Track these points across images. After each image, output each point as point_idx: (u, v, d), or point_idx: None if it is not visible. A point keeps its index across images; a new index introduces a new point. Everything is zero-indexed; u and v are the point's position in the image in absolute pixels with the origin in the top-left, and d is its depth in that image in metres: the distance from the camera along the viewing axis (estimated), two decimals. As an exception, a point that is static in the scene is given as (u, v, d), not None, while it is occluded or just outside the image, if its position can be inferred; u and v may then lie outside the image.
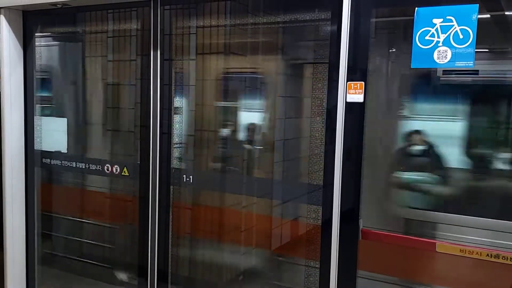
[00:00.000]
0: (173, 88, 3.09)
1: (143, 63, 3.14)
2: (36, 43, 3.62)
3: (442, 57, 2.22)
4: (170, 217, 3.15)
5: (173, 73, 3.10)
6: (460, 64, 2.20)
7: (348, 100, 2.44)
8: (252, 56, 3.72)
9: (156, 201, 3.14)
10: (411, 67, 2.30)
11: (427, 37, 2.25)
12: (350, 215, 2.51)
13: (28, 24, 3.54)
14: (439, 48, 2.23)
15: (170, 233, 3.18)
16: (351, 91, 2.42)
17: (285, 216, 3.33)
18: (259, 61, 3.67)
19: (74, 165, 3.49)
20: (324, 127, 2.56)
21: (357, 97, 2.42)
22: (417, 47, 2.27)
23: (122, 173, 3.27)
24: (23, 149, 3.62)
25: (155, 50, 3.07)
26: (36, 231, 3.73)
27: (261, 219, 3.56)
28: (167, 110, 3.09)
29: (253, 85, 3.93)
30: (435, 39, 2.23)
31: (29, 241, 3.73)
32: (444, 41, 2.22)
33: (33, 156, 3.63)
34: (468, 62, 2.19)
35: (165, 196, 3.13)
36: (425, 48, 2.25)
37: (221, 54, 3.74)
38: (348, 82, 2.43)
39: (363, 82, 2.40)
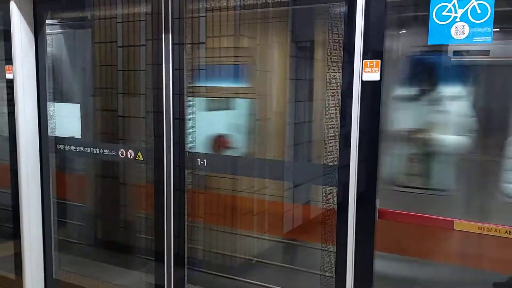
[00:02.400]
0: (185, 72, 3.07)
1: (153, 47, 3.12)
2: (47, 30, 3.62)
3: (460, 32, 2.19)
4: (185, 201, 3.16)
5: (184, 57, 3.09)
6: (478, 40, 2.17)
7: (364, 78, 2.41)
8: (263, 38, 3.69)
9: (171, 185, 3.15)
10: (428, 43, 2.27)
11: (444, 13, 2.22)
12: (367, 196, 2.51)
13: (38, 11, 3.53)
14: (456, 24, 2.20)
15: (186, 218, 3.19)
16: (367, 69, 2.40)
17: (299, 199, 3.34)
18: (270, 43, 3.64)
19: (88, 151, 3.50)
20: (340, 107, 2.54)
21: (374, 75, 2.39)
22: (434, 23, 2.24)
23: (137, 158, 3.28)
24: (37, 136, 3.63)
25: (166, 33, 3.05)
26: (52, 218, 3.76)
27: (273, 203, 3.58)
28: (179, 95, 3.09)
29: (263, 68, 3.92)
30: (452, 14, 2.20)
31: (45, 228, 3.76)
32: (462, 16, 2.18)
33: (47, 142, 3.65)
34: (486, 38, 2.15)
35: (179, 180, 3.13)
36: (442, 24, 2.22)
37: (230, 36, 3.74)
38: (364, 60, 2.40)
39: (379, 60, 2.38)
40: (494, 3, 2.13)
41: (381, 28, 2.38)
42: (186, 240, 3.22)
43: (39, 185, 3.68)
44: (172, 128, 3.09)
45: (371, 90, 2.41)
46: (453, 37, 2.21)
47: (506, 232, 2.30)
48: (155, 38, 3.13)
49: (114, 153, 3.37)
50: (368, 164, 2.48)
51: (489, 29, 2.14)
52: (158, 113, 3.13)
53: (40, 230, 3.75)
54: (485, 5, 2.14)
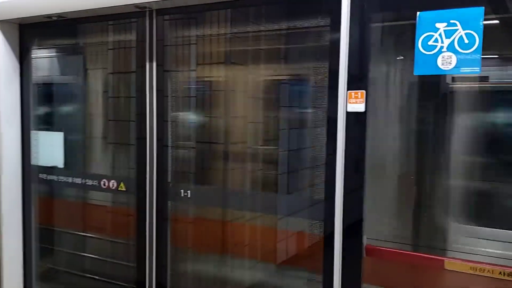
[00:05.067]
0: (170, 99, 3.00)
1: (139, 74, 3.05)
2: (34, 56, 3.56)
3: (447, 63, 2.10)
4: (168, 231, 3.05)
5: (170, 84, 3.02)
6: (466, 71, 2.08)
7: (349, 109, 2.32)
8: (253, 65, 3.62)
9: (154, 216, 3.04)
10: (414, 73, 2.18)
11: (430, 42, 2.13)
12: (353, 231, 2.38)
13: (24, 37, 3.49)
14: (443, 54, 2.11)
15: (168, 248, 3.07)
16: (352, 100, 2.31)
17: (285, 231, 3.18)
18: (260, 70, 3.56)
19: (70, 181, 3.40)
20: (325, 138, 2.44)
21: (358, 106, 2.30)
22: (420, 53, 2.15)
23: (119, 188, 3.18)
24: (20, 165, 3.55)
25: (150, 61, 2.99)
26: (33, 247, 3.65)
27: (259, 234, 3.41)
28: (165, 122, 3.01)
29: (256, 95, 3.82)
30: (439, 44, 2.11)
31: (26, 258, 3.64)
32: (449, 46, 2.10)
33: (30, 171, 3.56)
34: (474, 68, 2.06)
35: (162, 211, 3.03)
36: (429, 53, 2.14)
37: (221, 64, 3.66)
38: (349, 91, 2.32)
39: (364, 91, 2.29)
40: (482, 33, 2.04)
41: (366, 58, 2.30)
42: (169, 270, 3.10)
43: (21, 215, 3.58)
44: (156, 157, 3.01)
45: (357, 121, 2.32)
46: (439, 68, 2.12)
47: (500, 273, 2.17)
48: (140, 65, 3.07)
49: (96, 183, 3.27)
50: (354, 198, 2.37)
51: (477, 58, 2.05)
52: (141, 139, 3.05)
53: (21, 261, 3.63)
54: (473, 34, 2.06)
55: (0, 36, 3.36)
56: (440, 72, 2.13)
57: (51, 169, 3.52)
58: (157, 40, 2.98)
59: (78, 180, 3.36)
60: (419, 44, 2.15)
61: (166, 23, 2.96)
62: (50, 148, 3.49)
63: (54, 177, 3.50)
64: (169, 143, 3.01)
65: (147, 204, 3.04)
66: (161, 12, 2.95)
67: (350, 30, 2.30)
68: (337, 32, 2.33)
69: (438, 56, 2.12)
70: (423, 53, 2.15)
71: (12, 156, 3.49)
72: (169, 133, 3.02)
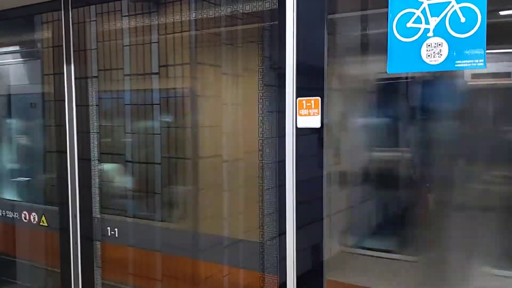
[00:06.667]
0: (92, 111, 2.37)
1: (55, 81, 2.43)
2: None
3: (434, 53, 1.40)
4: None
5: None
6: (463, 65, 1.37)
7: (300, 125, 1.63)
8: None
9: (78, 256, 2.41)
10: (388, 71, 1.47)
11: (409, 24, 1.43)
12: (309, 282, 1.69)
13: None
14: (429, 41, 1.40)
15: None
16: (303, 111, 1.62)
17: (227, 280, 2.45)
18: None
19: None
20: (277, 162, 1.76)
21: (312, 120, 1.61)
22: (394, 41, 1.45)
23: (41, 223, 2.56)
24: None
25: (68, 65, 2.37)
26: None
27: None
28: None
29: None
30: (422, 25, 1.41)
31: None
32: (437, 28, 1.39)
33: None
34: (476, 61, 1.35)
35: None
36: (407, 40, 1.43)
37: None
38: (299, 99, 1.63)
39: (319, 98, 1.60)
40: (486, 8, 1.33)
41: (320, 54, 1.61)
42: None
43: None
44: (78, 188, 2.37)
45: (309, 141, 1.63)
46: (424, 61, 1.41)
47: None
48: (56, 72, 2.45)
49: (17, 216, 2.66)
50: (310, 241, 1.68)
51: (480, 45, 1.34)
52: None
53: None
54: (472, 9, 1.34)
55: None
56: (425, 68, 1.42)
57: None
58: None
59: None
60: (393, 27, 1.45)
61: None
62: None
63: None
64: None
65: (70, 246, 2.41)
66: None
67: (298, 17, 1.62)
68: (281, 22, 1.65)
69: (421, 44, 1.41)
70: (399, 40, 1.44)
71: None
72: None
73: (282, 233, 1.72)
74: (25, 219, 2.62)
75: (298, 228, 1.68)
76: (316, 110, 1.59)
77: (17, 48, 3.17)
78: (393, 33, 1.45)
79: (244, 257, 2.04)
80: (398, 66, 1.44)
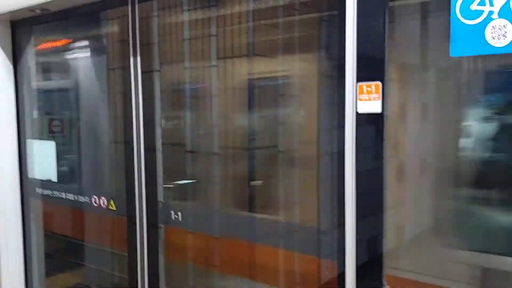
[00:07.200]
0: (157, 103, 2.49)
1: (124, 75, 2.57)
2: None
3: (500, 35, 1.38)
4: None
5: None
6: (531, 46, 1.35)
7: (360, 110, 1.66)
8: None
9: (145, 241, 2.54)
10: (450, 54, 1.47)
11: (473, 6, 1.42)
12: (369, 275, 1.72)
13: (17, 37, 3.14)
14: (493, 23, 1.39)
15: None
16: (363, 96, 1.65)
17: (284, 268, 2.49)
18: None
19: (64, 196, 3.00)
20: (330, 151, 1.80)
21: (373, 105, 1.63)
22: (457, 23, 1.45)
23: (109, 207, 2.72)
24: (17, 177, 3.20)
25: (134, 59, 2.50)
26: (37, 274, 3.31)
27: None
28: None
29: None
30: (487, 8, 1.40)
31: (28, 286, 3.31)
32: (502, 10, 1.38)
33: (28, 185, 3.21)
34: (545, 42, 1.33)
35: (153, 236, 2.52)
36: (471, 23, 1.43)
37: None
38: (359, 84, 1.65)
39: (379, 83, 1.62)
40: (556, -14, 1.31)
41: (381, 32, 1.62)
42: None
43: (21, 240, 3.24)
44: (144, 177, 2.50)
45: (371, 125, 1.65)
46: (488, 44, 1.40)
47: None
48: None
49: (88, 200, 2.84)
50: (370, 230, 1.71)
51: (549, 28, 1.32)
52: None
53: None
54: (541, -11, 1.32)
55: (-13, 35, 3.05)
56: (490, 50, 1.41)
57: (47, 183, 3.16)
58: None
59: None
60: (456, 9, 1.45)
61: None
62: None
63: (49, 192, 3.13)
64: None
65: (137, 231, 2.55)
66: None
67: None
68: (341, 9, 1.67)
69: (485, 26, 1.40)
70: (463, 22, 1.44)
71: (7, 168, 3.16)
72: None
73: (342, 223, 1.74)
74: (95, 203, 2.80)
75: (359, 219, 1.71)
76: (377, 95, 1.61)
77: (83, 43, 3.37)
78: (456, 16, 1.44)
79: (304, 243, 2.09)
80: (461, 48, 1.44)
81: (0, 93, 3.10)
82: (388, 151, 1.66)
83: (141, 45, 2.51)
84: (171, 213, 2.47)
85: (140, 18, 2.50)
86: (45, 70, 3.46)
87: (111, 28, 2.81)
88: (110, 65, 2.95)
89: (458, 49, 1.45)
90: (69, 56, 3.37)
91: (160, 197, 2.51)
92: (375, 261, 1.71)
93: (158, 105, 2.54)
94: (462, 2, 1.43)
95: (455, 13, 1.45)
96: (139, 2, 2.47)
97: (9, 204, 3.17)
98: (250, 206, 2.50)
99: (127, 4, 2.51)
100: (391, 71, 1.66)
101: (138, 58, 2.51)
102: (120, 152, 2.79)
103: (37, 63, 3.24)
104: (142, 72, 2.52)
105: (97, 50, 3.21)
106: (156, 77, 2.53)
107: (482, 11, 1.40)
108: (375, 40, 1.62)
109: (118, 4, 2.58)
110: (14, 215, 3.20)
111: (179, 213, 2.45)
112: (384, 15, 1.61)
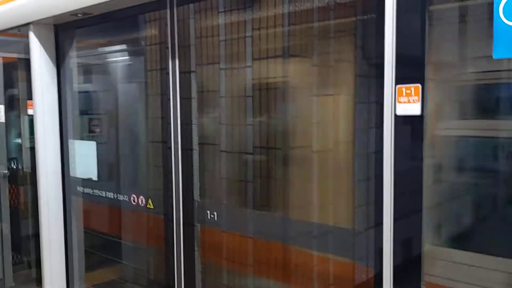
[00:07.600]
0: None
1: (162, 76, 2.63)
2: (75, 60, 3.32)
3: (545, 37, 1.36)
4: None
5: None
6: None
7: (399, 112, 1.65)
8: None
9: (181, 240, 2.60)
10: (493, 56, 1.45)
11: (517, 7, 1.40)
12: (406, 278, 1.71)
13: (60, 39, 3.25)
14: (538, 24, 1.37)
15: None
16: (402, 98, 1.64)
17: (318, 269, 2.49)
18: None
19: (104, 195, 3.09)
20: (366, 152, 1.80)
21: (412, 107, 1.62)
22: (501, 25, 1.42)
23: (147, 206, 2.79)
24: (59, 176, 3.32)
25: (173, 61, 2.55)
26: (78, 269, 3.41)
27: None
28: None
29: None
30: (532, 8, 1.37)
31: (69, 282, 3.42)
32: (548, 11, 1.35)
33: (69, 183, 3.32)
34: None
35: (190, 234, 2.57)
36: (515, 25, 1.40)
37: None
38: (398, 86, 1.65)
39: (419, 85, 1.60)
40: None
41: (421, 35, 1.61)
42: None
43: (63, 233, 3.36)
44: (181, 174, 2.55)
45: (410, 127, 1.64)
46: (533, 46, 1.38)
47: None
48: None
49: (127, 199, 2.92)
50: (408, 232, 1.70)
51: None
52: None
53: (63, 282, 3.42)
54: None
55: (34, 38, 3.14)
56: (535, 53, 1.38)
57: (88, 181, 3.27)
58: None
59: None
60: (500, 10, 1.42)
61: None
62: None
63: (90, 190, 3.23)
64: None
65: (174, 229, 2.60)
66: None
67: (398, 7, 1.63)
68: (380, 11, 1.67)
69: (530, 27, 1.38)
70: (506, 24, 1.41)
71: (50, 167, 3.27)
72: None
73: (379, 223, 1.74)
74: (134, 201, 2.87)
75: (396, 220, 1.70)
76: (416, 97, 1.60)
77: (122, 46, 3.46)
78: (500, 18, 1.42)
79: (339, 245, 2.09)
80: (505, 50, 1.42)
81: (44, 95, 3.21)
82: (426, 152, 1.65)
83: (179, 47, 2.56)
84: (207, 213, 2.51)
85: (178, 21, 2.55)
86: (86, 72, 3.58)
87: (150, 31, 2.88)
88: (149, 66, 3.03)
89: (501, 50, 1.43)
90: (109, 58, 3.47)
91: (196, 196, 2.56)
92: (413, 264, 1.70)
93: (194, 105, 2.59)
94: (506, 3, 1.41)
95: (498, 14, 1.42)
96: (177, 6, 2.52)
97: (52, 201, 3.28)
98: (284, 207, 2.52)
99: (166, 8, 2.56)
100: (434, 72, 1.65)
101: (177, 60, 2.56)
102: (158, 151, 2.86)
103: (78, 65, 3.36)
104: (180, 73, 2.57)
105: (136, 52, 3.30)
106: (193, 78, 2.58)
107: (527, 12, 1.38)
108: (415, 42, 1.61)
109: (157, 8, 2.64)
110: (57, 212, 3.31)
111: (215, 213, 2.49)
112: (424, 17, 1.60)
